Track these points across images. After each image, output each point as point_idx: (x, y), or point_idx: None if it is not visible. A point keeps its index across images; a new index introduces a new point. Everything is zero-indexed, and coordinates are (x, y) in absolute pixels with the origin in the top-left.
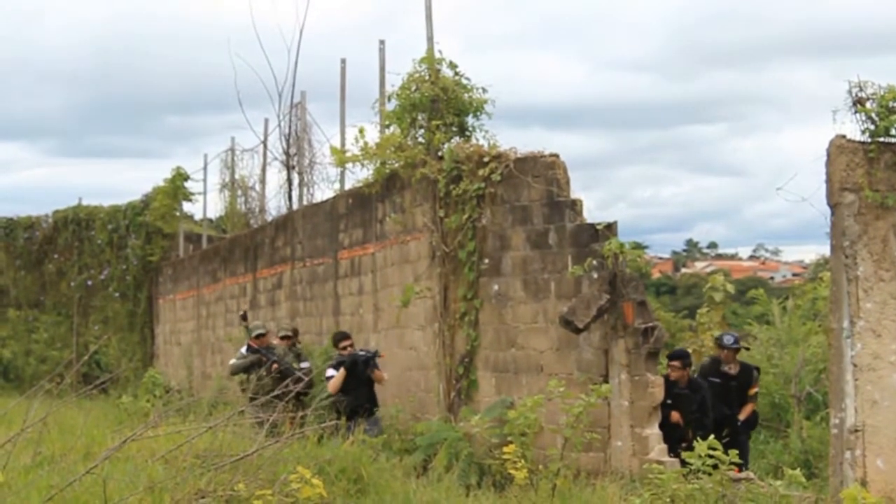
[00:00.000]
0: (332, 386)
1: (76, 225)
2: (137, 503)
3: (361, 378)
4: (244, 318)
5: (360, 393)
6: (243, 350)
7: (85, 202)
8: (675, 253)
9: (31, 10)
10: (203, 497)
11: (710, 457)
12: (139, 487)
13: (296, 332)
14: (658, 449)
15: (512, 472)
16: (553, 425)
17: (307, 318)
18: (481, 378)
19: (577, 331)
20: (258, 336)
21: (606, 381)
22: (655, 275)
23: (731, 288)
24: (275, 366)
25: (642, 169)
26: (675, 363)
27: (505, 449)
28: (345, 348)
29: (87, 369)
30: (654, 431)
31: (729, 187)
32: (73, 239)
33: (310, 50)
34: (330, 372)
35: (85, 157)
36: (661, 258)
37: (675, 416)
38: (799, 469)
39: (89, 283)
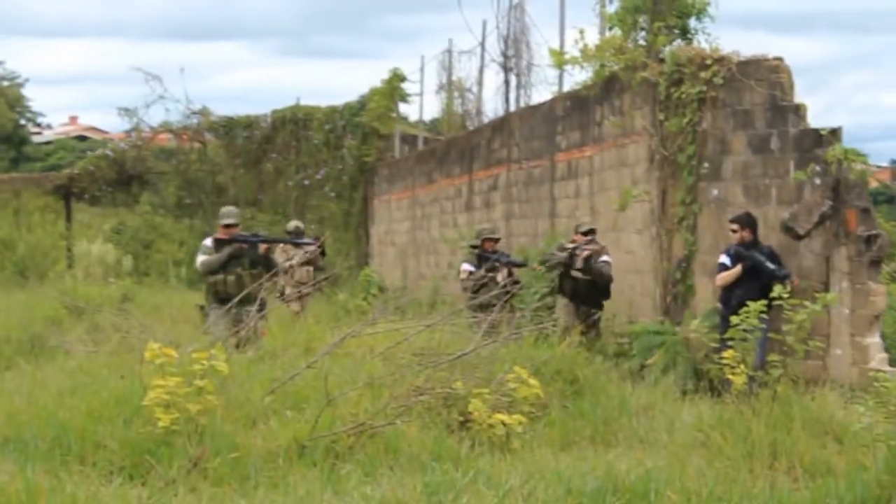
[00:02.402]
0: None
1: (294, 125)
2: (357, 398)
3: None
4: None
5: None
6: (208, 242)
7: (303, 102)
8: (893, 162)
9: None
10: (421, 394)
11: None
12: (359, 383)
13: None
14: (879, 358)
15: (730, 377)
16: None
17: (522, 220)
18: (698, 283)
19: (799, 237)
20: (228, 226)
21: (827, 289)
22: (874, 184)
23: None
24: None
25: (866, 75)
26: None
27: (724, 353)
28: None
29: None
30: (875, 340)
31: None
32: (290, 139)
33: None
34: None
35: (305, 58)
36: (879, 167)
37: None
38: None
39: (306, 182)
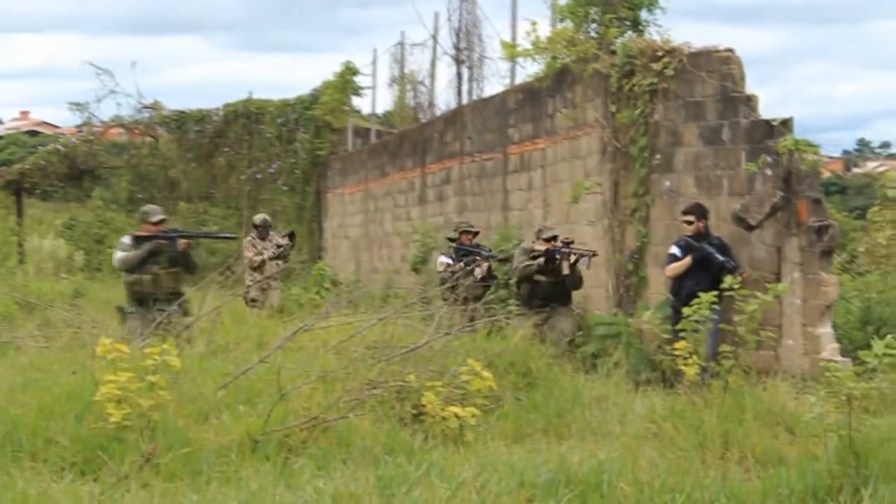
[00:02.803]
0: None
1: (246, 118)
2: (310, 392)
3: None
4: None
5: None
6: (126, 240)
7: (255, 96)
8: (845, 152)
9: None
10: (374, 388)
11: (888, 355)
12: (312, 377)
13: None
14: (831, 348)
15: (682, 368)
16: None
17: (475, 213)
18: (651, 274)
19: (750, 228)
20: (155, 223)
21: (779, 279)
22: (826, 174)
23: None
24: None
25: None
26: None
27: (676, 345)
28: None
29: None
30: (826, 330)
31: None
32: (242, 132)
33: None
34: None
35: (258, 52)
36: (831, 157)
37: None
38: None
39: (258, 176)
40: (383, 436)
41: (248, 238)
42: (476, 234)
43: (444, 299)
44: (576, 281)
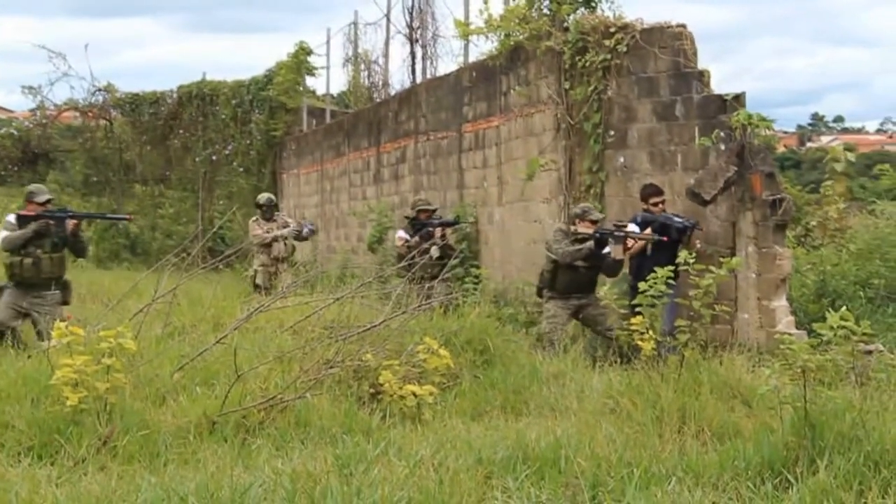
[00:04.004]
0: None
1: (200, 100)
2: (267, 372)
3: None
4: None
5: None
6: (11, 218)
7: (209, 77)
8: (800, 127)
9: None
10: (331, 367)
11: (842, 328)
12: (269, 357)
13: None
14: (786, 321)
15: (639, 343)
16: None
17: (431, 191)
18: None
19: (704, 203)
20: (41, 203)
21: (733, 254)
22: (780, 149)
23: (852, 157)
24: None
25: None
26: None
27: (632, 320)
28: (655, 204)
29: (213, 244)
30: (781, 303)
31: (861, 59)
32: (197, 114)
33: None
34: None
35: (211, 32)
36: (786, 132)
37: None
38: None
39: (214, 158)
40: (341, 415)
41: (253, 219)
42: (433, 211)
43: (401, 276)
44: (616, 267)
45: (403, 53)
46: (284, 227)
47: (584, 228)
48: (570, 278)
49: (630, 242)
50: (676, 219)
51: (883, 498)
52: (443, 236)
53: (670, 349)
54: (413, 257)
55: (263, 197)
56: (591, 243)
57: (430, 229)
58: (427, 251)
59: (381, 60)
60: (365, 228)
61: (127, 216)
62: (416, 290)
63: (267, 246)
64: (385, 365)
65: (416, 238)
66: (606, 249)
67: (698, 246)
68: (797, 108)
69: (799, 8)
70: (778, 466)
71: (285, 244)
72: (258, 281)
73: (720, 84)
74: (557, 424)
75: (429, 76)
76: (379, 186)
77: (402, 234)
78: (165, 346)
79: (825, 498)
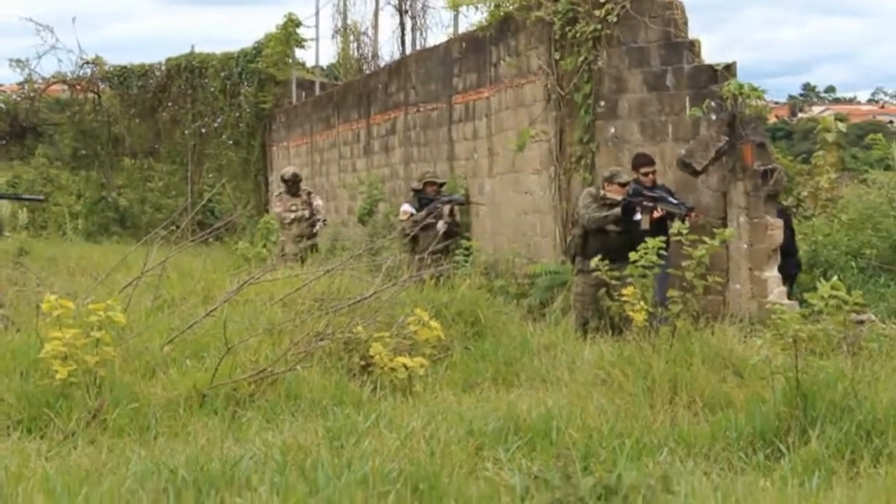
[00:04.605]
0: None
1: (189, 73)
2: (257, 345)
3: None
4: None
5: None
6: None
7: (198, 50)
8: (791, 97)
9: None
10: (322, 339)
11: (834, 298)
12: (258, 330)
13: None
14: (777, 292)
15: (631, 314)
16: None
17: (421, 163)
18: None
19: (696, 173)
20: None
21: (725, 224)
22: (772, 120)
23: (843, 127)
24: None
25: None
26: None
27: (624, 291)
28: (646, 174)
29: (202, 217)
30: (773, 274)
31: (853, 29)
32: (186, 87)
33: None
34: None
35: (200, 5)
36: (777, 103)
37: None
38: None
39: (203, 130)
40: (331, 387)
41: (276, 193)
42: (441, 185)
43: (407, 251)
44: (642, 237)
45: (393, 24)
46: (308, 204)
47: (612, 192)
48: (601, 243)
49: (657, 213)
50: (672, 200)
51: (875, 467)
52: (451, 213)
53: (662, 320)
54: (418, 230)
55: (288, 171)
56: (617, 210)
57: (439, 206)
58: (432, 226)
59: (370, 32)
60: (355, 201)
61: (40, 197)
62: (421, 265)
63: (291, 224)
64: (376, 337)
65: (423, 213)
66: (637, 217)
67: (699, 221)
68: (788, 78)
69: None
70: (770, 436)
71: (309, 224)
72: (287, 250)
73: (711, 54)
74: (549, 396)
75: (418, 47)
76: (369, 158)
77: (407, 207)
78: (155, 319)
79: (817, 467)
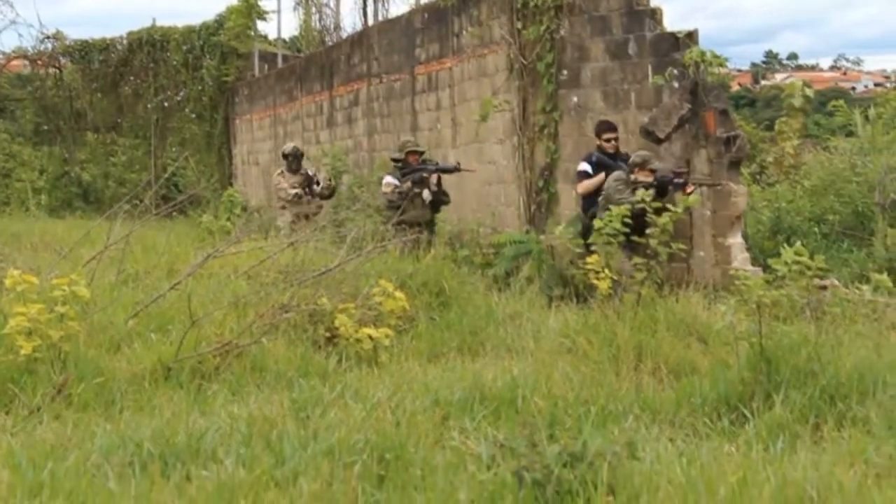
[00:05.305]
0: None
1: (151, 46)
2: (222, 318)
3: None
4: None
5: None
6: None
7: (159, 23)
8: (754, 65)
9: None
10: (287, 311)
11: (797, 263)
12: (223, 302)
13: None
14: (741, 258)
15: (595, 282)
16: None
17: (384, 134)
18: (562, 191)
19: (659, 141)
20: None
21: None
22: (735, 87)
23: (810, 92)
24: None
25: None
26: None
27: (588, 259)
28: (609, 140)
29: (166, 191)
30: (736, 240)
31: None
32: (148, 61)
33: None
34: None
35: None
36: (740, 70)
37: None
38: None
39: (165, 104)
40: (297, 359)
41: (278, 171)
42: (422, 153)
43: (392, 224)
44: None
45: None
46: (311, 180)
47: (643, 177)
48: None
49: (689, 189)
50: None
51: (839, 430)
52: (438, 182)
53: (626, 288)
54: (403, 205)
55: (289, 147)
56: (652, 191)
57: (425, 175)
58: (418, 196)
59: (332, 3)
60: (320, 173)
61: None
62: (409, 238)
63: (294, 201)
64: (341, 308)
65: (408, 183)
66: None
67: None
68: (751, 46)
69: None
70: (734, 402)
71: (312, 200)
72: (283, 232)
73: (674, 22)
74: (514, 364)
75: (381, 18)
76: (332, 130)
77: (389, 178)
78: (119, 293)
79: (781, 432)
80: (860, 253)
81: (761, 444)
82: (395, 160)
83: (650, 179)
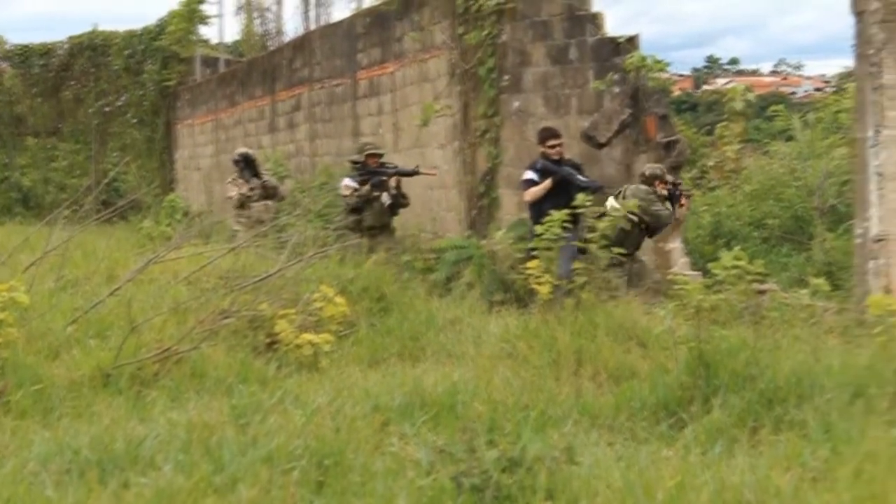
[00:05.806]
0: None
1: (92, 51)
2: (161, 324)
3: None
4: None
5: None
6: None
7: (101, 28)
8: (695, 70)
9: None
10: (227, 317)
11: (736, 268)
12: (163, 309)
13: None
14: (681, 262)
15: (535, 287)
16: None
17: (326, 139)
18: (503, 195)
19: (599, 146)
20: None
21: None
22: (676, 92)
23: (751, 96)
24: None
25: None
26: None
27: (529, 264)
28: (552, 147)
29: (107, 196)
30: (677, 245)
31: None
32: (89, 65)
33: None
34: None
35: None
36: (681, 75)
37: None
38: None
39: (107, 109)
40: (237, 365)
41: (231, 177)
42: (381, 156)
43: (350, 229)
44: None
45: (297, 0)
46: (272, 192)
47: (662, 189)
48: (638, 237)
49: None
50: (581, 178)
51: (776, 434)
52: (397, 185)
53: (566, 293)
54: (362, 207)
55: (238, 152)
56: (668, 204)
57: (385, 178)
58: (376, 200)
59: (274, 7)
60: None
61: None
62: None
63: (243, 207)
64: (281, 314)
65: (368, 187)
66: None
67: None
68: (692, 50)
69: None
70: (673, 406)
71: (265, 205)
72: (240, 237)
73: (617, 27)
74: (454, 370)
75: (323, 23)
76: (274, 135)
77: (349, 181)
78: (59, 299)
79: (719, 436)
80: (799, 257)
81: (699, 448)
82: (354, 162)
83: (666, 192)
